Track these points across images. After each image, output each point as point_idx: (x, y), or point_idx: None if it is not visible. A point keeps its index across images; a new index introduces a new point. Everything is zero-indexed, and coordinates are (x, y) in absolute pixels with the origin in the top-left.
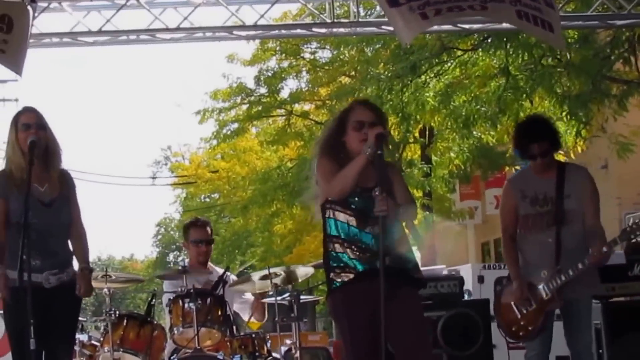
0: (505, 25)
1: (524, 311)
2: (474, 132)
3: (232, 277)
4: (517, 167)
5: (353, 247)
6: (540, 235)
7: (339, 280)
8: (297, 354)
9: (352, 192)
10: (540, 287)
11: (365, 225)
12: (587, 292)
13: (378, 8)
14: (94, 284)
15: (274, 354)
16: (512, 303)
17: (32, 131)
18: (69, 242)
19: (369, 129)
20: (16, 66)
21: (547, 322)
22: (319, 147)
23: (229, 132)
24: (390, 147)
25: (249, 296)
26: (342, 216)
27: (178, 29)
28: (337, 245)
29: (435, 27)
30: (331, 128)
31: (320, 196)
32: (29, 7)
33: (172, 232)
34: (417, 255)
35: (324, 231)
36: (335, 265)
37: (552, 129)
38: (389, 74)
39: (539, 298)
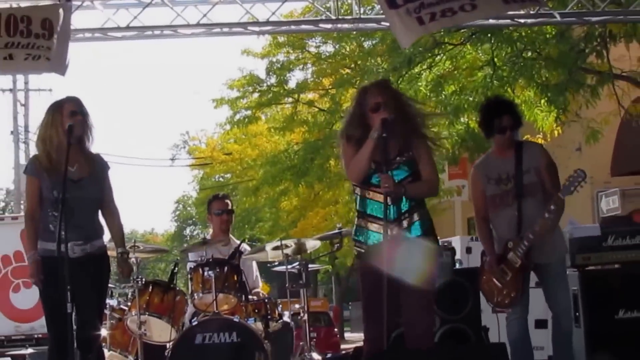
0: (491, 21)
1: (503, 282)
2: (462, 119)
3: (247, 248)
4: None
5: (370, 219)
6: (508, 210)
7: (357, 249)
8: (305, 317)
9: (372, 171)
10: (510, 256)
11: (377, 198)
12: (555, 255)
13: (377, 6)
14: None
15: (285, 318)
16: (489, 272)
17: (79, 117)
18: (102, 218)
19: (379, 114)
20: (61, 69)
21: (525, 287)
22: (340, 132)
23: (241, 118)
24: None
25: (256, 268)
26: (360, 191)
27: (198, 25)
28: (359, 218)
29: None
30: (352, 112)
31: (346, 174)
32: (61, 10)
33: (189, 209)
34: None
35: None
36: (356, 237)
37: (515, 106)
38: (386, 67)
39: (512, 267)
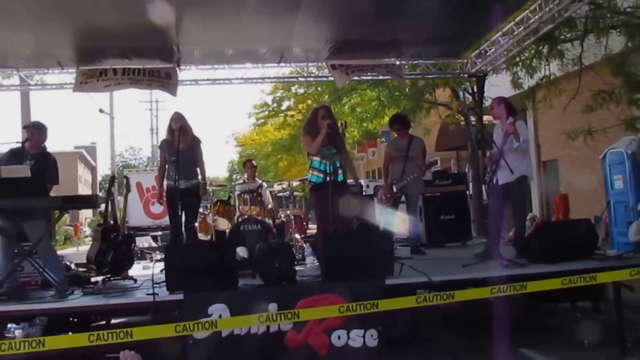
0: (380, 77)
1: (388, 197)
2: (364, 125)
3: (264, 184)
4: (383, 140)
5: (319, 171)
6: (398, 166)
7: (313, 186)
8: (292, 217)
9: (321, 148)
10: (394, 187)
11: (324, 161)
12: (415, 191)
13: (326, 70)
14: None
15: (282, 218)
16: (382, 195)
17: (175, 120)
18: (196, 169)
19: (326, 120)
20: (173, 93)
21: (396, 203)
22: (303, 130)
23: (259, 123)
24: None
25: (268, 194)
26: (315, 157)
27: (241, 78)
28: (313, 171)
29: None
30: (309, 119)
31: (305, 150)
32: (177, 69)
33: (235, 166)
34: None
35: (309, 164)
36: (312, 180)
37: (406, 118)
38: (329, 99)
39: (393, 193)
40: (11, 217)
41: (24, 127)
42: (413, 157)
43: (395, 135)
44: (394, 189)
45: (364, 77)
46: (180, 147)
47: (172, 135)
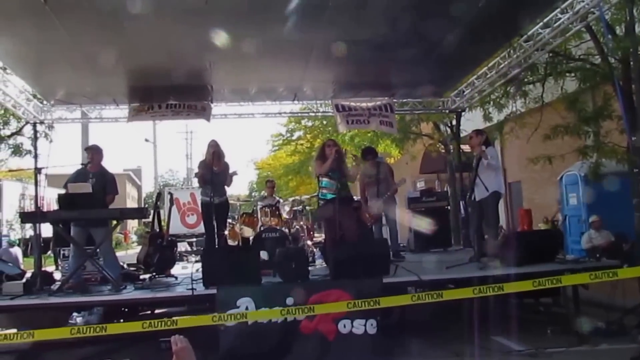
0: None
1: (370, 214)
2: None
3: (280, 200)
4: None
5: (327, 189)
6: (373, 189)
7: (322, 202)
8: (305, 227)
9: (330, 170)
10: (371, 205)
11: (332, 180)
12: (391, 206)
13: (330, 107)
14: (232, 202)
15: (296, 227)
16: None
17: (213, 147)
18: (225, 186)
19: (333, 149)
20: (207, 119)
21: (378, 218)
22: (315, 157)
23: (274, 149)
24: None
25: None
26: (324, 177)
27: (262, 113)
28: (323, 190)
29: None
30: (320, 148)
31: (316, 172)
32: (210, 104)
33: (254, 186)
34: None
35: (319, 184)
36: (321, 197)
37: (375, 150)
38: (332, 130)
39: (374, 210)
40: (82, 225)
41: (85, 149)
42: (382, 179)
43: (366, 163)
44: (375, 209)
45: (361, 127)
46: (215, 169)
47: (209, 159)
